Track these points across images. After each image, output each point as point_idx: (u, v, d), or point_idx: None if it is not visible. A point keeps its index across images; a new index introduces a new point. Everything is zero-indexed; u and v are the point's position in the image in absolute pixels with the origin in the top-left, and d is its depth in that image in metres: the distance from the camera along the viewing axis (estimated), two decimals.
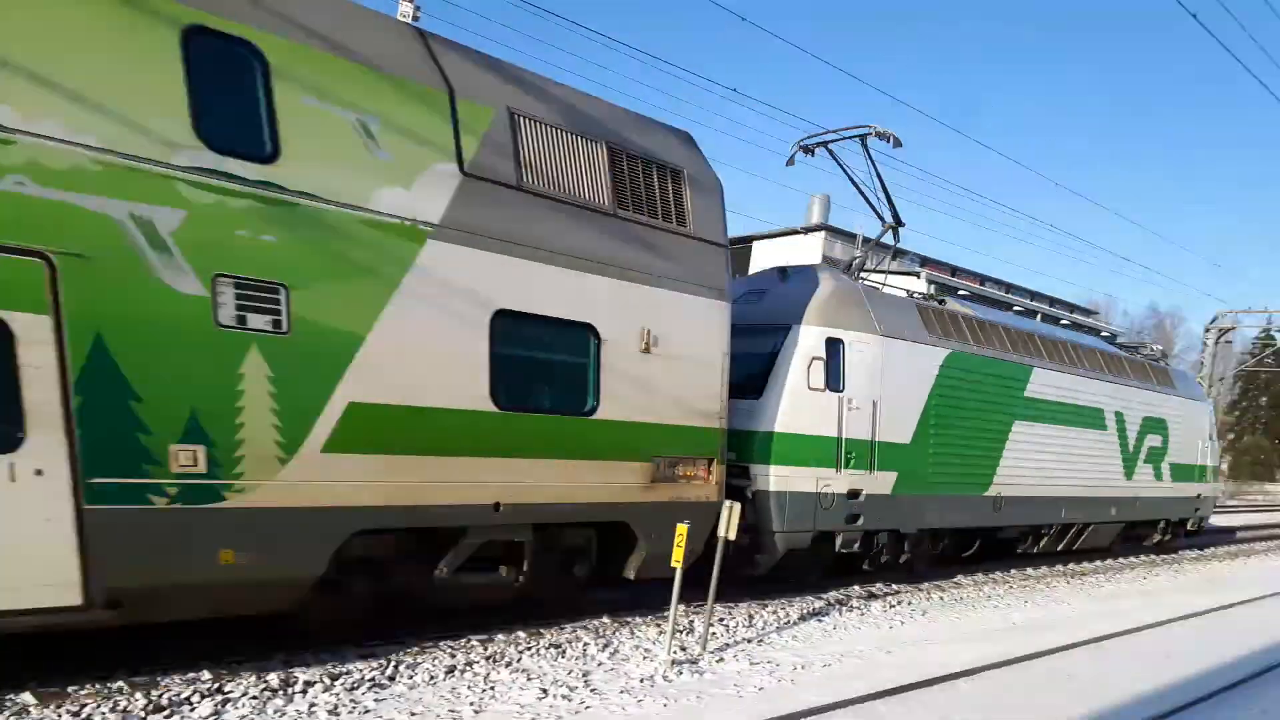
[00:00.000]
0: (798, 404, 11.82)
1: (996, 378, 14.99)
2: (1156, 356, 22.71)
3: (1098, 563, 17.83)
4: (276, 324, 7.00)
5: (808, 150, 14.56)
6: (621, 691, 7.34)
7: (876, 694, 7.43)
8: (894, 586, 13.34)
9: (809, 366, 11.94)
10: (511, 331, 8.58)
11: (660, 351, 9.82)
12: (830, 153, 14.50)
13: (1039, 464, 15.85)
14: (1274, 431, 78.58)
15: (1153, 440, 19.58)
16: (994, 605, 12.55)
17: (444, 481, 8.18)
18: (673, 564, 8.55)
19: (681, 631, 9.23)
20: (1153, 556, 19.64)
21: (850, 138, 14.19)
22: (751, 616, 10.59)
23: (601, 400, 9.35)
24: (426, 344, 7.93)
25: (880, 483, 12.76)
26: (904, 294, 14.99)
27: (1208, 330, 46.45)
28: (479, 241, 8.26)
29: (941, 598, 12.95)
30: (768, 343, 12.13)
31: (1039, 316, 55.58)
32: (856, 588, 12.85)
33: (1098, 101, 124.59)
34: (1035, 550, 16.96)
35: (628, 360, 9.53)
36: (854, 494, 12.34)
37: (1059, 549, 17.31)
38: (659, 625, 9.52)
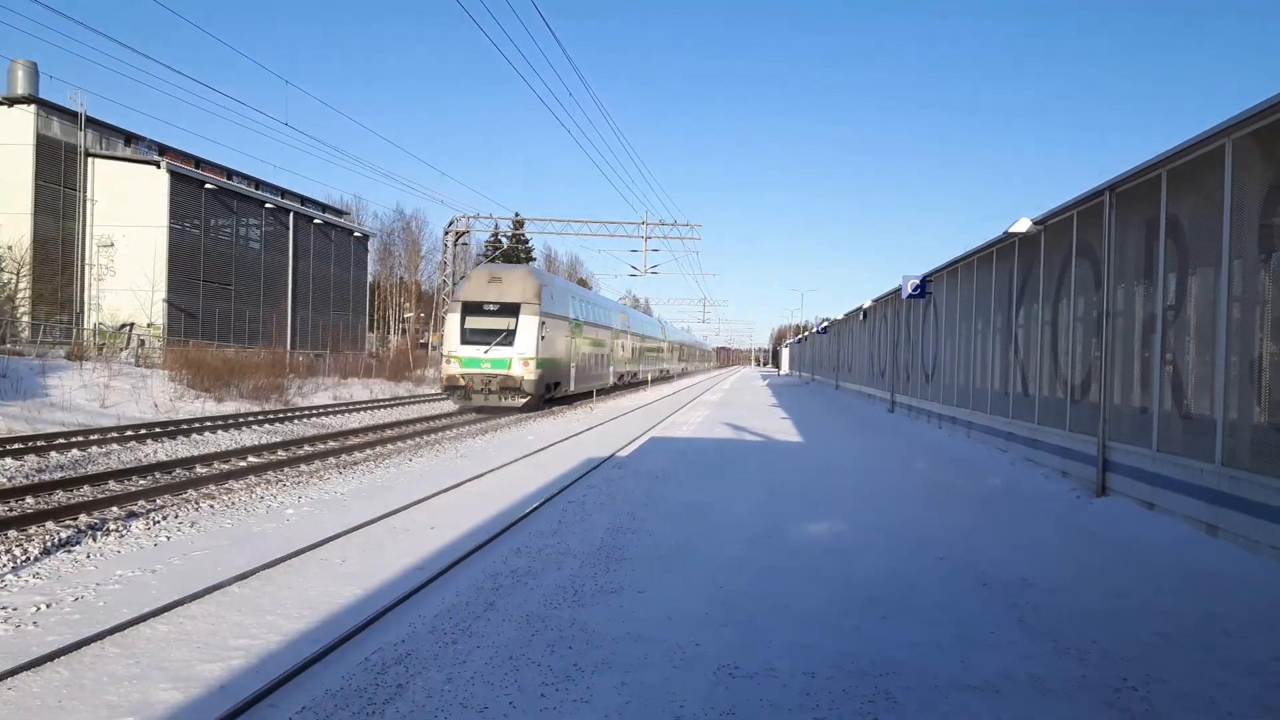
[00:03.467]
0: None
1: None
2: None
3: (369, 452, 18.91)
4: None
5: None
6: None
7: (143, 617, 6.84)
8: (157, 501, 12.38)
9: None
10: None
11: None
12: None
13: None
14: None
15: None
16: (268, 505, 12.50)
17: None
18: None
19: None
20: (423, 440, 21.60)
21: None
22: None
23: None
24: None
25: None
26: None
27: (447, 232, 52.10)
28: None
29: (213, 505, 12.44)
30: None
31: (291, 215, 56.07)
32: (115, 509, 11.61)
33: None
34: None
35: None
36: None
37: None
38: None
